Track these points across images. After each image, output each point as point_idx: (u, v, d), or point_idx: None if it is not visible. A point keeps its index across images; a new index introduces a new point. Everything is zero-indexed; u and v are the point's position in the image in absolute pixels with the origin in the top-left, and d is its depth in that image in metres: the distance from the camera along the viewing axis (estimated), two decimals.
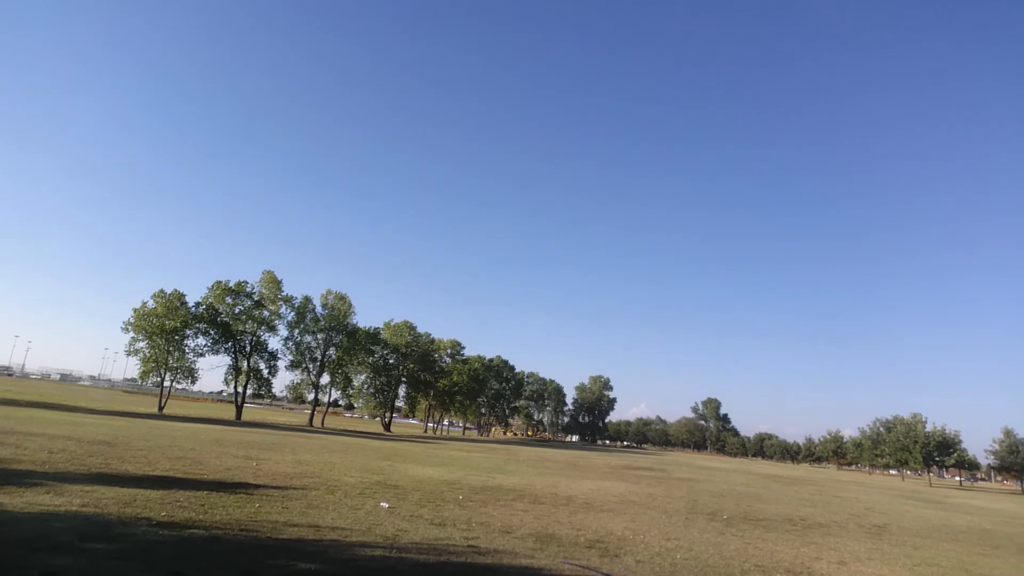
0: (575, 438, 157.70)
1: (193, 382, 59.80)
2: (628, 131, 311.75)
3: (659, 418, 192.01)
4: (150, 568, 6.10)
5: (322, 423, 68.12)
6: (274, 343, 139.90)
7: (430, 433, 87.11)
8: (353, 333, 71.35)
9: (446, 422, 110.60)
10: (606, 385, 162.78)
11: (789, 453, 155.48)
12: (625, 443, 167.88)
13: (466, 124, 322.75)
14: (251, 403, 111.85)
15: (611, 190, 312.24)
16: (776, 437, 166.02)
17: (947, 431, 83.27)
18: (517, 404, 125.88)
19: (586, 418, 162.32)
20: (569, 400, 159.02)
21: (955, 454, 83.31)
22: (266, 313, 63.10)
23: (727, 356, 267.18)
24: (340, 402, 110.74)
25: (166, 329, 54.71)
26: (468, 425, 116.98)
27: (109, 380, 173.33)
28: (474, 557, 8.22)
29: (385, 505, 11.87)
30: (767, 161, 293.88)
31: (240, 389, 61.82)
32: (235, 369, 60.98)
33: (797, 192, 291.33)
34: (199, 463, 15.98)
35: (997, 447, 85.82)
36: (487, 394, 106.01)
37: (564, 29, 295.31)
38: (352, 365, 74.36)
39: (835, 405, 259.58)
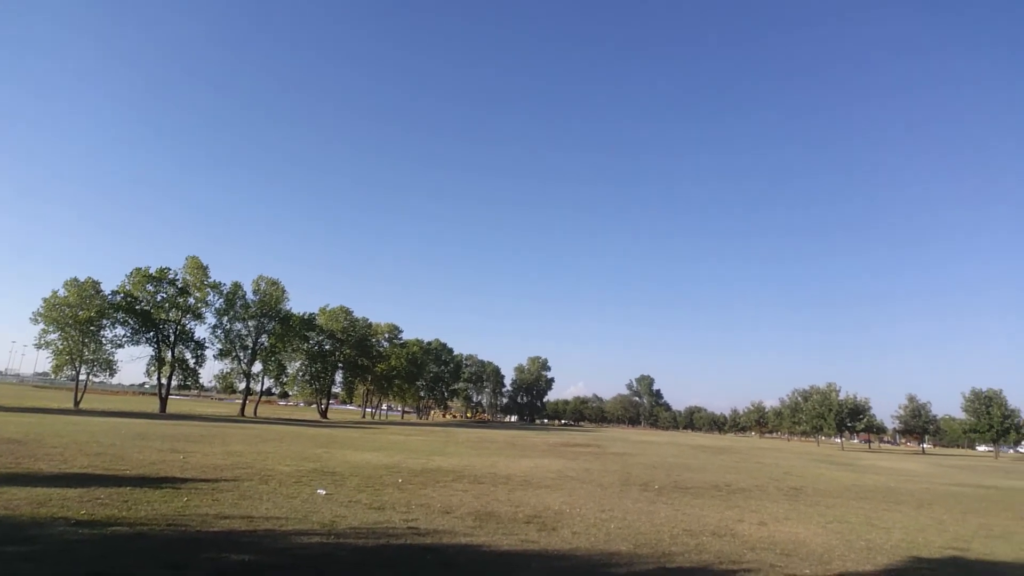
0: (514, 418, 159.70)
1: (112, 375, 56.66)
2: (557, 105, 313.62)
3: (595, 396, 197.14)
4: (69, 568, 5.82)
5: (255, 412, 66.00)
6: (201, 331, 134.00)
7: (368, 418, 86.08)
8: (287, 319, 69.25)
9: (384, 407, 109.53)
10: (544, 366, 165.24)
11: (716, 424, 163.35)
12: (563, 422, 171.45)
13: (402, 112, 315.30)
14: (176, 395, 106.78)
15: (546, 166, 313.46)
16: (705, 410, 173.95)
17: (858, 399, 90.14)
18: (456, 387, 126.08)
19: (524, 398, 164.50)
20: (508, 381, 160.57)
21: (864, 420, 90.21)
22: (191, 301, 60.19)
23: (661, 333, 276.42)
24: (274, 390, 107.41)
25: (80, 319, 51.37)
26: (407, 409, 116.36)
27: (18, 375, 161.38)
28: (414, 539, 8.28)
29: (322, 492, 11.72)
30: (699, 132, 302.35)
31: (164, 381, 58.98)
32: (158, 360, 58.03)
33: (731, 163, 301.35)
34: (120, 459, 15.23)
35: (902, 412, 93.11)
36: (426, 377, 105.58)
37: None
38: (286, 352, 72.31)
39: (759, 378, 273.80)
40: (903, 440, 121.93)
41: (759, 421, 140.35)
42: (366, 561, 6.98)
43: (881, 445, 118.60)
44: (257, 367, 70.10)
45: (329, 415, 79.27)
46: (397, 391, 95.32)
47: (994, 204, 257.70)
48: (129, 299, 55.40)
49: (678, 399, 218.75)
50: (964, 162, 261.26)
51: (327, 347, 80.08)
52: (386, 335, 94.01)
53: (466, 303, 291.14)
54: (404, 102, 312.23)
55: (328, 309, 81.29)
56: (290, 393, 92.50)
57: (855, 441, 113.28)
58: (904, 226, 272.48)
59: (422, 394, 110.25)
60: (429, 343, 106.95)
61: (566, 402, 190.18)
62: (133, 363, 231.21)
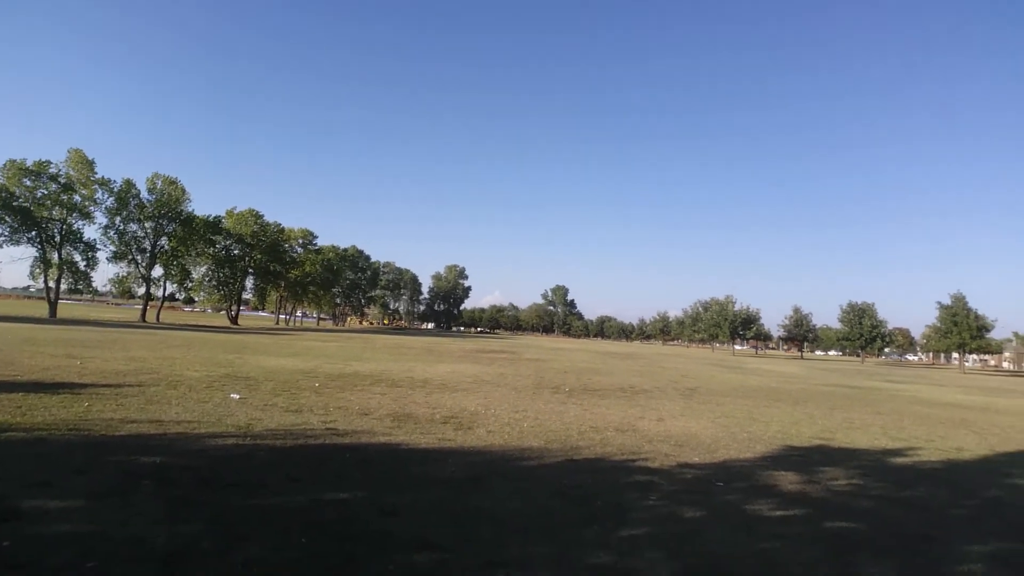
0: (431, 326, 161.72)
1: None
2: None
3: (512, 305, 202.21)
4: None
5: (157, 319, 62.93)
6: (92, 232, 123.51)
7: (282, 325, 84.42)
8: (189, 221, 64.87)
9: (299, 313, 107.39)
10: (461, 274, 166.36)
11: (625, 333, 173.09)
12: (479, 329, 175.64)
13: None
14: (68, 299, 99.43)
15: (468, 65, 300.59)
16: (615, 319, 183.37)
17: (750, 309, 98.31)
18: (373, 294, 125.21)
19: (442, 306, 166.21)
20: (425, 289, 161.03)
21: (754, 328, 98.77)
22: (77, 198, 54.88)
23: (577, 246, 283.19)
24: (178, 296, 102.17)
25: None
26: (322, 316, 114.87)
27: None
28: (333, 439, 8.43)
29: (236, 396, 11.57)
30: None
31: (52, 284, 54.57)
32: (43, 261, 53.38)
33: (648, 70, 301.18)
34: (9, 364, 14.24)
35: (787, 322, 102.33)
36: (342, 284, 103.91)
37: None
38: (190, 256, 68.29)
39: (665, 291, 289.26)
40: (785, 347, 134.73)
41: (663, 330, 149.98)
42: (284, 460, 7.07)
43: (767, 351, 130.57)
44: (158, 271, 66.12)
45: (240, 322, 76.94)
46: (312, 298, 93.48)
47: (877, 119, 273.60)
48: (4, 194, 49.73)
49: (590, 309, 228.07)
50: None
51: (236, 252, 76.33)
52: (300, 240, 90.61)
53: (384, 210, 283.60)
54: None
55: (236, 212, 76.68)
56: (196, 299, 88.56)
57: (745, 348, 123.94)
58: (792, 140, 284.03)
59: (338, 301, 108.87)
60: (345, 249, 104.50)
61: (482, 310, 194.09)
62: (14, 265, 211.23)
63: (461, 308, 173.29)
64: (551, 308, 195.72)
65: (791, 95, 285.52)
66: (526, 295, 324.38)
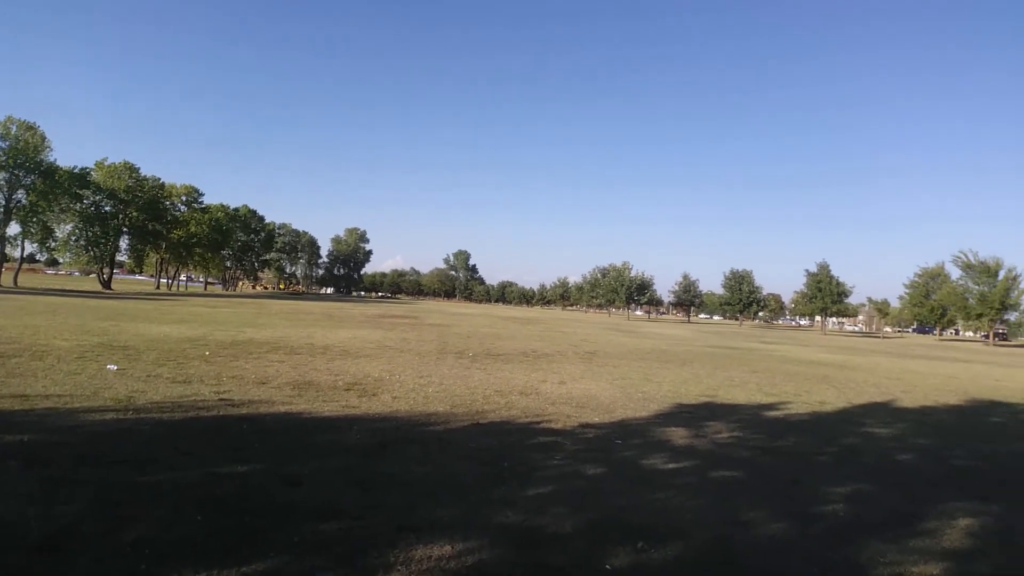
0: (330, 290, 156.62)
1: None
2: None
3: (413, 269, 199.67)
4: None
5: (14, 282, 56.25)
6: None
7: (163, 290, 78.29)
8: (51, 173, 57.92)
9: (183, 277, 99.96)
10: (362, 237, 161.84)
11: (525, 298, 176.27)
12: (380, 294, 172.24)
13: None
14: None
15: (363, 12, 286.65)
16: (516, 284, 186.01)
17: (644, 276, 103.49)
18: (268, 257, 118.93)
19: (341, 270, 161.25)
20: (324, 253, 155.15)
21: (648, 294, 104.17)
22: None
23: (478, 209, 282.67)
24: (39, 257, 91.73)
25: None
26: (211, 280, 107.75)
27: None
28: (227, 410, 8.01)
29: (113, 367, 10.65)
30: None
31: None
32: None
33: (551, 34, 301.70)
34: None
35: (676, 288, 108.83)
36: (233, 246, 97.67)
37: None
38: (53, 212, 61.29)
39: (566, 256, 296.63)
40: (674, 312, 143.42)
41: (563, 295, 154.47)
42: (173, 434, 6.63)
43: (658, 316, 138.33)
44: (14, 229, 58.88)
45: (115, 286, 70.49)
46: (198, 260, 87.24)
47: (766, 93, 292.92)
48: None
49: (492, 274, 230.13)
50: None
51: (107, 209, 69.29)
52: (183, 198, 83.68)
53: (279, 171, 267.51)
54: None
55: (107, 164, 69.32)
56: (61, 261, 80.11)
57: (639, 312, 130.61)
58: (690, 105, 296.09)
59: (228, 264, 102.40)
60: (236, 209, 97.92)
61: (384, 274, 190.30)
62: None
63: (362, 272, 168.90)
64: (453, 273, 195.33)
65: (686, 66, 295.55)
66: (428, 260, 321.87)
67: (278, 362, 13.15)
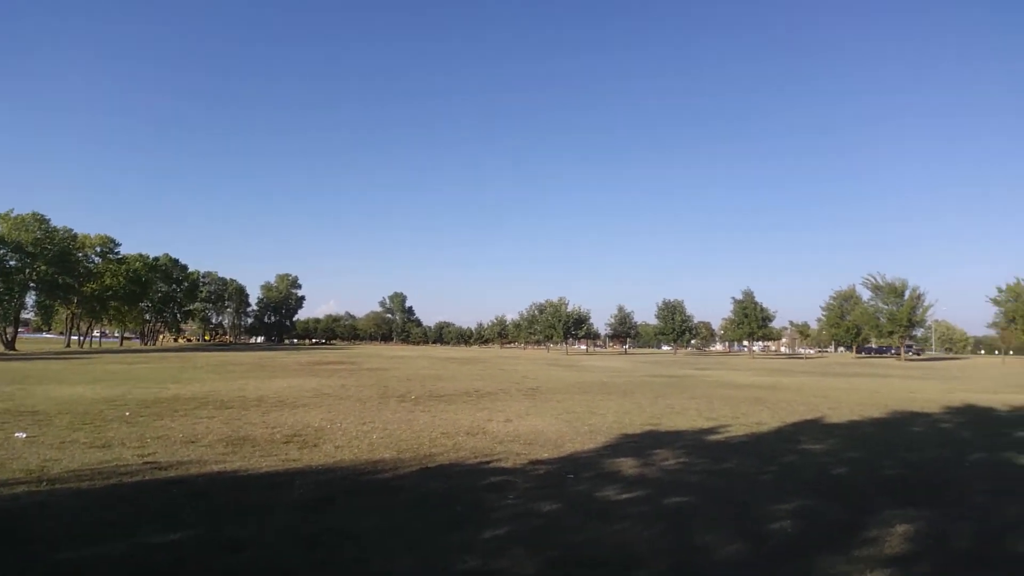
0: (260, 339, 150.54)
1: None
2: None
3: (348, 314, 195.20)
4: None
5: None
6: None
7: (75, 347, 72.91)
8: None
9: (97, 333, 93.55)
10: (294, 283, 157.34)
11: (463, 338, 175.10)
12: (314, 340, 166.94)
13: None
14: None
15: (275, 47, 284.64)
16: (453, 325, 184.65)
17: (581, 310, 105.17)
18: (192, 307, 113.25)
19: (273, 318, 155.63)
20: (253, 300, 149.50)
21: (585, 327, 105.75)
22: None
23: (412, 250, 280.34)
24: None
25: None
26: (127, 335, 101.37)
27: None
28: (154, 473, 7.45)
29: (21, 435, 9.73)
30: None
31: None
32: None
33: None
34: None
35: (612, 320, 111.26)
36: (152, 298, 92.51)
37: None
38: None
39: (500, 294, 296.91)
40: (611, 344, 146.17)
41: (501, 333, 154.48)
42: (94, 504, 6.09)
43: (596, 349, 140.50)
44: None
45: (19, 346, 65.10)
46: (114, 314, 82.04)
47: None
48: None
49: (428, 316, 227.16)
50: None
51: (12, 263, 64.41)
52: (97, 249, 78.92)
53: (203, 215, 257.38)
54: None
55: (13, 216, 64.70)
56: None
57: (577, 346, 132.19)
58: (615, 140, 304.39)
59: (148, 317, 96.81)
60: (156, 258, 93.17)
61: (317, 320, 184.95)
62: None
63: (295, 319, 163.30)
64: (389, 316, 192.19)
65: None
66: (363, 303, 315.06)
67: (208, 418, 12.40)
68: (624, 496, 6.75)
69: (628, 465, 8.39)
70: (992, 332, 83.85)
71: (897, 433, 12.25)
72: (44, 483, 6.82)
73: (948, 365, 58.33)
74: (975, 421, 14.44)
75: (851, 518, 6.00)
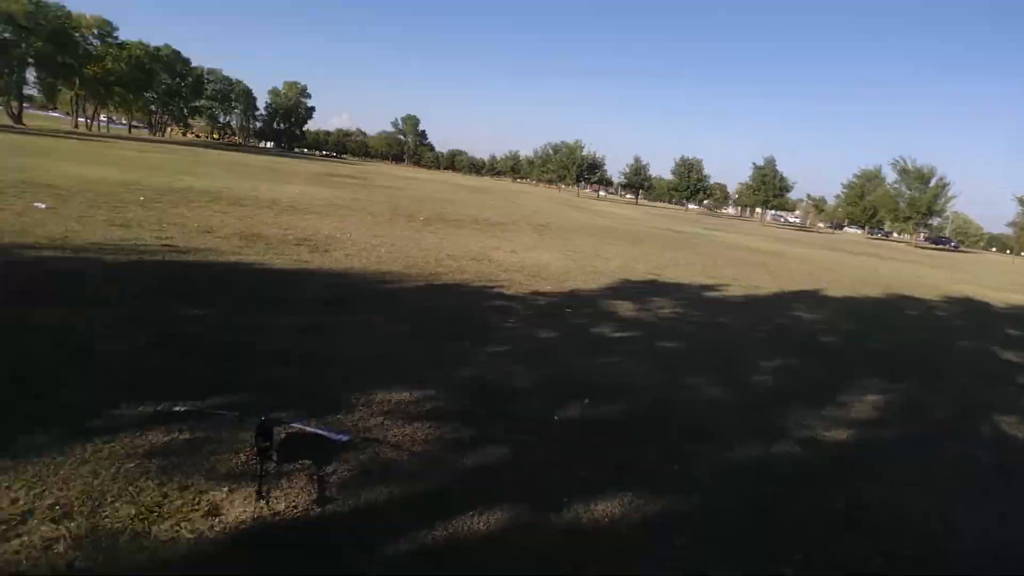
0: (270, 145, 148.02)
1: None
2: None
3: (359, 130, 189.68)
4: None
5: None
6: None
7: (83, 129, 71.96)
8: None
9: (104, 118, 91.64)
10: (303, 92, 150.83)
11: (475, 168, 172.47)
12: (325, 152, 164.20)
13: None
14: None
15: None
16: (466, 154, 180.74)
17: (596, 155, 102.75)
18: (198, 103, 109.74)
19: (282, 125, 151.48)
20: (261, 105, 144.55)
21: (599, 173, 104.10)
22: None
23: (428, 75, 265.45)
24: None
25: None
26: (135, 123, 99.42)
27: None
28: (173, 255, 7.72)
29: (41, 206, 9.94)
30: None
31: None
32: None
33: None
34: None
35: (627, 170, 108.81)
36: (157, 89, 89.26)
37: None
38: None
39: (517, 130, 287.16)
40: (623, 192, 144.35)
41: (514, 168, 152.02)
42: (119, 275, 6.38)
43: (605, 195, 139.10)
44: None
45: (27, 121, 64.11)
46: (119, 100, 79.65)
47: None
48: None
49: (441, 142, 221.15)
50: None
51: (7, 36, 61.08)
52: (95, 31, 74.29)
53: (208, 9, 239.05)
54: None
55: None
56: None
57: (587, 190, 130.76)
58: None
59: (154, 108, 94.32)
60: (158, 48, 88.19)
61: (328, 133, 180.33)
62: None
63: (304, 129, 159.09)
64: (401, 137, 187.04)
65: None
66: (375, 122, 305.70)
67: (222, 212, 12.59)
68: (618, 334, 7.06)
69: (626, 308, 8.67)
70: (1008, 231, 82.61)
71: (892, 313, 12.56)
72: (68, 251, 7.08)
73: (960, 258, 58.29)
74: (970, 312, 14.74)
75: (831, 382, 6.33)
